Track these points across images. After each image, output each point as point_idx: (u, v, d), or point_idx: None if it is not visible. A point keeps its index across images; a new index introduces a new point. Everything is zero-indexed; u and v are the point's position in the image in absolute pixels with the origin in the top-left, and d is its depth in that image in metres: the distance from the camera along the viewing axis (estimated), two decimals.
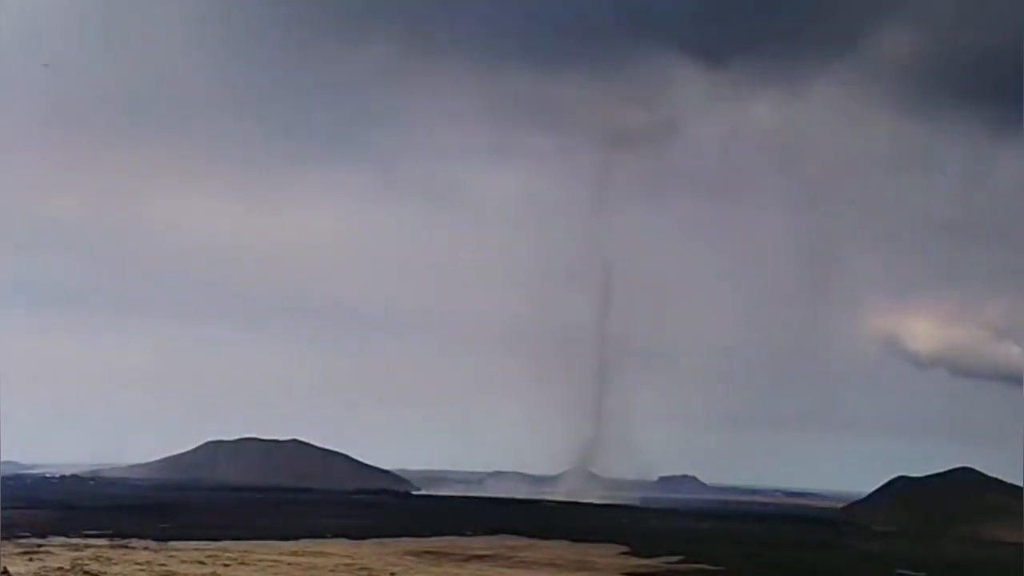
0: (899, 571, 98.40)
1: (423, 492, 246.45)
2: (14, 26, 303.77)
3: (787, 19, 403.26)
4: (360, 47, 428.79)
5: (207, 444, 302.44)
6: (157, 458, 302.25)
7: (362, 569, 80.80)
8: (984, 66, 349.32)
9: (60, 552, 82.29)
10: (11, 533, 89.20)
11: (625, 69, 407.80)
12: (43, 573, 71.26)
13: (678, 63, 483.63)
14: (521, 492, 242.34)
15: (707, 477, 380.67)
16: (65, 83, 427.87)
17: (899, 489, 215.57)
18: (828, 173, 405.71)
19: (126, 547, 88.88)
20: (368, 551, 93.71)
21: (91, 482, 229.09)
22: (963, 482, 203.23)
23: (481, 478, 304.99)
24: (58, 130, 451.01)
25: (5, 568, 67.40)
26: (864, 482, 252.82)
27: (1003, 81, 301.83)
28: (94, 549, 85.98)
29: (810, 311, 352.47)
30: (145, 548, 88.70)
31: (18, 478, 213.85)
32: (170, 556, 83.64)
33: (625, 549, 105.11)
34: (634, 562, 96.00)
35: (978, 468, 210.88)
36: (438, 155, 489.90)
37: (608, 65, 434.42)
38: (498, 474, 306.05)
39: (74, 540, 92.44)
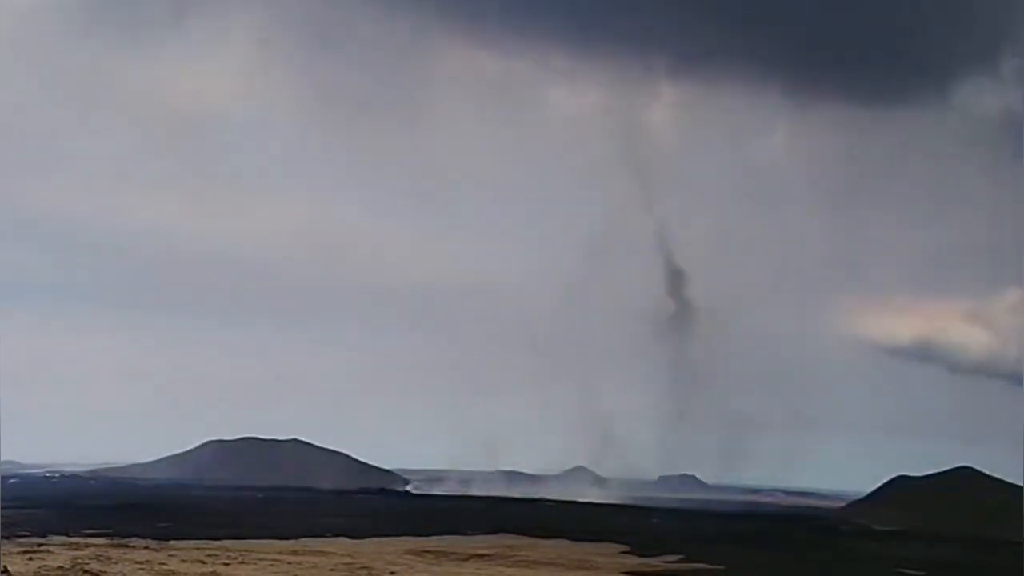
0: (899, 571, 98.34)
1: (423, 491, 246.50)
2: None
3: None
4: None
5: (207, 444, 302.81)
6: (157, 457, 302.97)
7: (362, 568, 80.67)
8: None
9: (60, 551, 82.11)
10: (11, 532, 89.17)
11: None
12: (43, 572, 71.06)
13: None
14: (521, 492, 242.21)
15: (707, 477, 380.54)
16: (70, 79, 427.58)
17: (899, 489, 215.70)
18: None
19: (126, 546, 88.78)
20: (368, 550, 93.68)
21: (91, 481, 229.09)
22: (963, 482, 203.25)
23: (481, 477, 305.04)
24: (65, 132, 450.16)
25: (5, 567, 67.29)
26: (864, 482, 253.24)
27: None
28: (94, 548, 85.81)
29: (810, 309, 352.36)
30: (145, 547, 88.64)
31: (18, 478, 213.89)
32: (170, 555, 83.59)
33: (625, 548, 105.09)
34: (634, 561, 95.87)
35: (978, 468, 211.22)
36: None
37: None
38: (498, 473, 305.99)
39: (74, 539, 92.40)
